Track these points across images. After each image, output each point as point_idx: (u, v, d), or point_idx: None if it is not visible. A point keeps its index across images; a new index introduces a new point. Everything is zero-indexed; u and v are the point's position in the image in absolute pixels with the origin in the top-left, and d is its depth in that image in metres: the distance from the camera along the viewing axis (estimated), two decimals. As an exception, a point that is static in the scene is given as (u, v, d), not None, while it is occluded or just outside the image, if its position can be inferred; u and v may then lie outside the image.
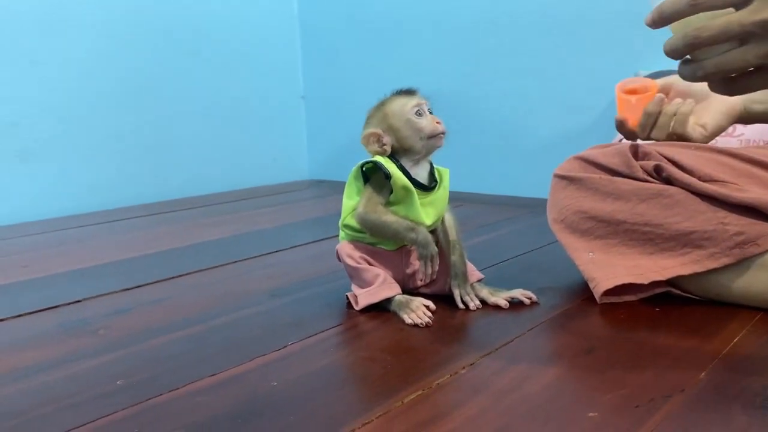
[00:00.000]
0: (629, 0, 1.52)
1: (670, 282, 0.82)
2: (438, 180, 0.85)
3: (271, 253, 1.20)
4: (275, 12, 2.13)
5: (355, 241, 0.87)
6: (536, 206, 1.51)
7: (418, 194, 0.82)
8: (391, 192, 0.82)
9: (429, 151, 0.84)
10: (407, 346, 0.73)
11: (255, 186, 2.08)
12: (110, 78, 1.76)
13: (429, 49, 1.89)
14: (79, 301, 0.94)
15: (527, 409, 0.58)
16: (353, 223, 0.84)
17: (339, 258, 0.89)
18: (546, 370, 0.66)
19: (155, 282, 1.03)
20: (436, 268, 0.83)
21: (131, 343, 0.77)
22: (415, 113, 0.82)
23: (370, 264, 0.86)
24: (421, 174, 0.84)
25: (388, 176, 0.81)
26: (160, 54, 1.86)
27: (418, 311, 0.80)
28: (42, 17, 1.62)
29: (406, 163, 0.83)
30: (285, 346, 0.74)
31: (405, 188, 0.81)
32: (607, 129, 1.51)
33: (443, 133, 0.82)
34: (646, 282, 0.80)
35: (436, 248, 0.82)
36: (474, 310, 0.83)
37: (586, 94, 1.63)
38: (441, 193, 0.85)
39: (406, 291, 0.86)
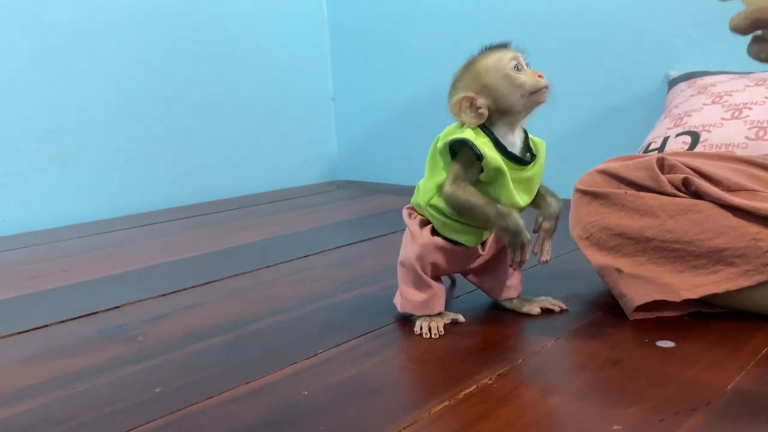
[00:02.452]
0: (660, -1, 1.51)
1: (701, 300, 0.81)
2: (535, 153, 0.78)
3: (302, 257, 1.23)
4: (305, 16, 2.16)
5: (437, 235, 0.81)
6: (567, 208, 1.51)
7: (513, 169, 0.75)
8: (482, 171, 0.75)
9: (530, 110, 0.76)
10: (435, 355, 0.75)
11: (286, 187, 2.12)
12: (145, 83, 1.80)
13: (457, 49, 1.89)
14: (118, 307, 0.97)
15: (552, 421, 0.59)
16: (441, 203, 0.77)
17: (411, 230, 0.82)
18: (572, 381, 0.67)
19: (190, 287, 1.06)
20: (527, 257, 0.77)
21: (168, 350, 0.80)
22: (514, 67, 0.74)
23: (435, 268, 0.83)
24: (517, 143, 0.77)
25: (479, 157, 0.73)
26: (193, 59, 1.89)
27: (433, 324, 0.80)
28: (79, 28, 1.67)
29: (500, 131, 0.76)
30: (316, 354, 0.76)
31: (497, 169, 0.74)
32: (635, 130, 1.50)
33: (547, 87, 0.74)
34: (678, 300, 0.79)
35: (527, 235, 0.76)
36: (536, 315, 0.84)
37: (614, 95, 1.62)
38: (537, 170, 0.78)
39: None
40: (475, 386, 0.66)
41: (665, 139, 1.24)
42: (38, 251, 1.38)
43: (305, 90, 2.19)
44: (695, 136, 1.19)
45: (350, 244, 1.33)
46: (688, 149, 1.18)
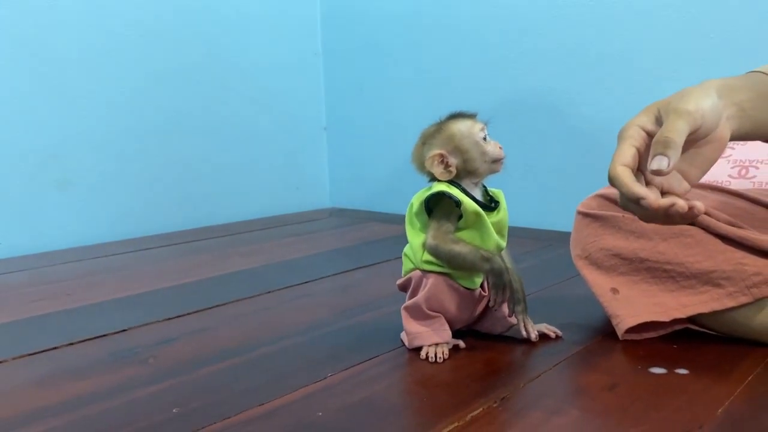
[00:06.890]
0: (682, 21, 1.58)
1: (690, 318, 0.86)
2: (497, 200, 0.87)
3: (301, 284, 1.26)
4: (299, 45, 2.21)
5: (443, 277, 0.85)
6: (554, 239, 1.56)
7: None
8: (460, 218, 0.82)
9: (488, 174, 0.85)
10: (440, 380, 0.78)
11: (279, 214, 2.15)
12: (143, 110, 1.83)
13: (448, 84, 1.96)
14: (125, 330, 1.00)
15: (557, 442, 0.62)
16: (431, 257, 0.84)
17: (413, 286, 0.87)
18: (572, 405, 0.70)
19: (196, 311, 1.08)
20: (507, 296, 0.84)
21: (180, 373, 0.82)
22: (483, 138, 0.84)
23: (441, 307, 0.86)
24: (479, 196, 0.85)
25: (458, 204, 0.81)
26: (189, 88, 1.93)
27: (438, 350, 0.84)
28: (78, 53, 1.70)
29: (466, 186, 0.84)
30: (325, 378, 0.79)
31: (475, 213, 0.82)
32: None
33: (504, 158, 0.85)
34: (667, 320, 0.84)
35: (509, 277, 0.83)
36: (535, 342, 0.87)
37: (613, 126, 1.68)
38: (503, 214, 0.86)
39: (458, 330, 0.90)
40: (481, 409, 0.69)
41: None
42: (38, 274, 1.40)
43: (298, 119, 2.24)
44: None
45: (347, 271, 1.36)
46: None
